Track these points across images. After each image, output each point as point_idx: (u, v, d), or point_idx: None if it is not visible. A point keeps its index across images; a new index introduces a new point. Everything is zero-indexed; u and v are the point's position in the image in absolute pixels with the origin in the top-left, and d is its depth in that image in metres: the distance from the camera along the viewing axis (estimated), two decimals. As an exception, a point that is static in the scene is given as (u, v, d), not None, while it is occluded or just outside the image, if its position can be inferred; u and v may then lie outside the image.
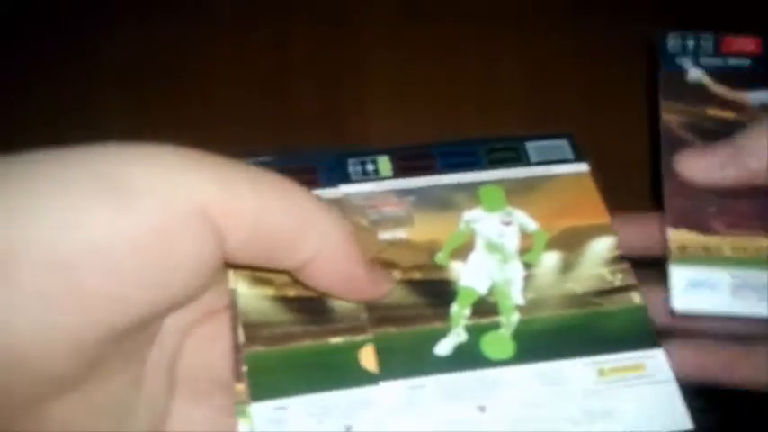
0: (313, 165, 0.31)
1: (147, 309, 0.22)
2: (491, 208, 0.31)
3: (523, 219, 0.31)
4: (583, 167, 0.32)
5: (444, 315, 0.28)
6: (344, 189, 0.31)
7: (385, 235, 0.30)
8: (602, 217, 0.31)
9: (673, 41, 0.33)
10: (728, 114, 0.31)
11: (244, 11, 0.55)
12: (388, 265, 0.28)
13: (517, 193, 0.31)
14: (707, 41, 0.33)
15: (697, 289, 0.28)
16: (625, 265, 0.29)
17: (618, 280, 0.29)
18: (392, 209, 0.30)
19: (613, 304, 0.28)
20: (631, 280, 0.29)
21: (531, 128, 0.46)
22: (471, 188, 0.31)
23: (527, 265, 0.29)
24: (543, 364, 0.27)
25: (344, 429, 0.25)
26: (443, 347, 0.27)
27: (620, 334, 0.28)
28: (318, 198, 0.25)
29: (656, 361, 0.27)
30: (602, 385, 0.26)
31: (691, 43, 0.33)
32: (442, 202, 0.31)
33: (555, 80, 0.52)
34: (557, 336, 0.27)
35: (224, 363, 0.27)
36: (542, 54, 0.54)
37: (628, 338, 0.28)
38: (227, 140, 0.37)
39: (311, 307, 0.27)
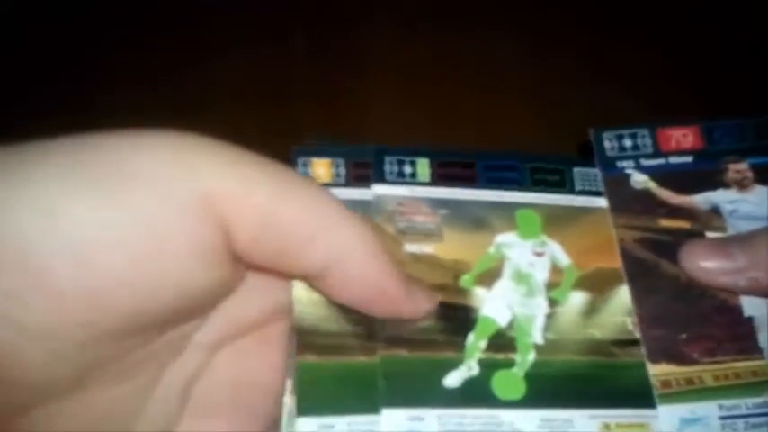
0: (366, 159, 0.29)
1: (136, 311, 0.19)
2: (526, 234, 0.28)
3: (557, 251, 0.28)
4: None
5: (459, 344, 0.26)
6: (377, 189, 0.28)
7: (411, 247, 0.27)
8: None
9: (609, 143, 0.30)
10: (682, 224, 0.29)
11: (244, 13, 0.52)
12: (410, 281, 0.26)
13: (555, 221, 0.29)
14: (644, 138, 0.30)
15: (688, 426, 0.26)
16: None
17: (637, 331, 0.27)
18: (423, 219, 0.28)
19: (628, 356, 0.27)
20: None
21: (530, 115, 0.45)
22: (509, 209, 0.28)
23: (552, 302, 0.27)
24: (550, 411, 0.25)
25: None
26: (453, 379, 0.25)
27: (631, 388, 0.26)
28: (340, 202, 0.22)
29: (661, 420, 0.26)
30: None
31: (628, 143, 0.30)
32: (475, 219, 0.28)
33: (555, 68, 0.50)
34: (568, 382, 0.26)
35: (247, 382, 0.24)
36: (542, 41, 0.50)
37: (637, 394, 0.26)
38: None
39: (370, 319, 0.25)
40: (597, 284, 0.28)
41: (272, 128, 0.46)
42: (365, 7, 0.52)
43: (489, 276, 0.27)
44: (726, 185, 0.29)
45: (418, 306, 0.24)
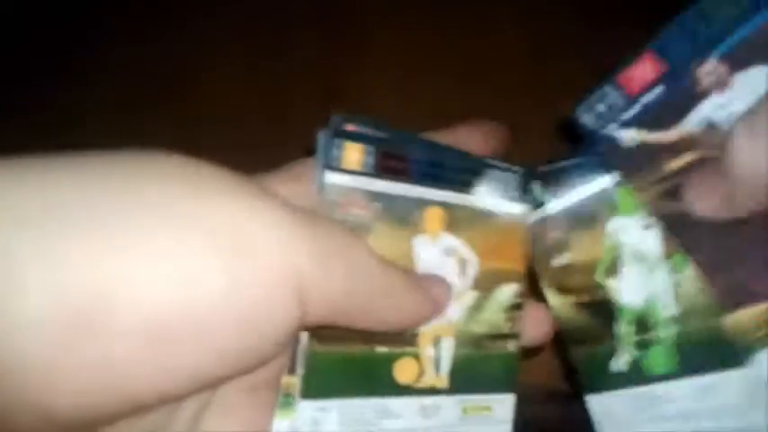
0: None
1: (217, 379, 0.20)
2: (628, 211, 0.29)
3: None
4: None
5: (611, 334, 0.29)
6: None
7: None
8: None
9: (587, 118, 0.29)
10: (689, 157, 0.27)
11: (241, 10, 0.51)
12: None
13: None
14: (612, 94, 0.28)
15: None
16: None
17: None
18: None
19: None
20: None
21: (533, 100, 0.46)
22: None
23: (674, 272, 0.29)
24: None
25: None
26: (618, 364, 0.29)
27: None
28: (393, 269, 0.24)
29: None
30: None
31: (601, 107, 0.28)
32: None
33: (557, 50, 0.50)
34: (714, 346, 0.27)
35: (263, 381, 0.25)
36: (544, 25, 0.51)
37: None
38: (223, 135, 0.39)
39: None
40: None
41: (271, 119, 0.48)
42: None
43: (614, 266, 0.29)
44: (706, 94, 0.27)
45: (439, 307, 0.27)
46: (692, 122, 0.27)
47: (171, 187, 0.19)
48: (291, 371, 0.25)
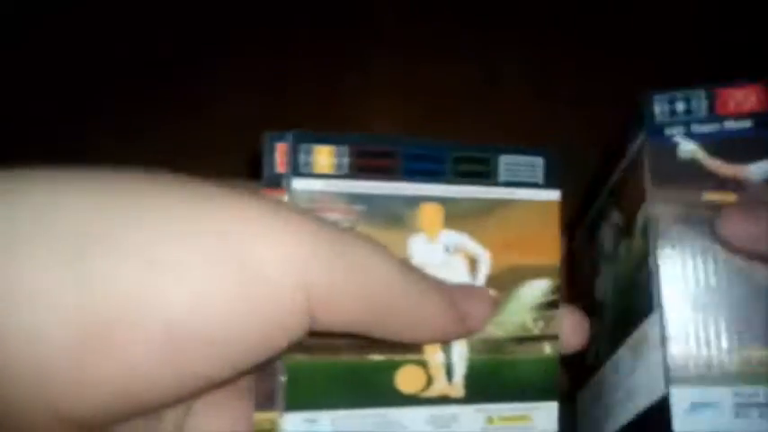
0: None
1: (225, 379, 0.21)
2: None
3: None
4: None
5: None
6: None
7: None
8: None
9: (660, 106, 0.27)
10: (728, 197, 0.25)
11: (242, 14, 0.51)
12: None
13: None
14: (699, 101, 0.26)
15: (698, 410, 0.25)
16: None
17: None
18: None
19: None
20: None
21: (532, 130, 0.45)
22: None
23: None
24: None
25: None
26: None
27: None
28: (417, 277, 0.23)
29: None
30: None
31: (680, 107, 0.26)
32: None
33: (557, 86, 0.50)
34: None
35: (247, 379, 0.25)
36: (545, 58, 0.50)
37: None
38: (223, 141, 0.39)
39: None
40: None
41: (271, 121, 0.46)
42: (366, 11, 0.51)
43: None
44: None
45: (473, 322, 0.25)
46: (754, 170, 0.26)
47: (188, 206, 0.20)
48: (266, 405, 0.24)
